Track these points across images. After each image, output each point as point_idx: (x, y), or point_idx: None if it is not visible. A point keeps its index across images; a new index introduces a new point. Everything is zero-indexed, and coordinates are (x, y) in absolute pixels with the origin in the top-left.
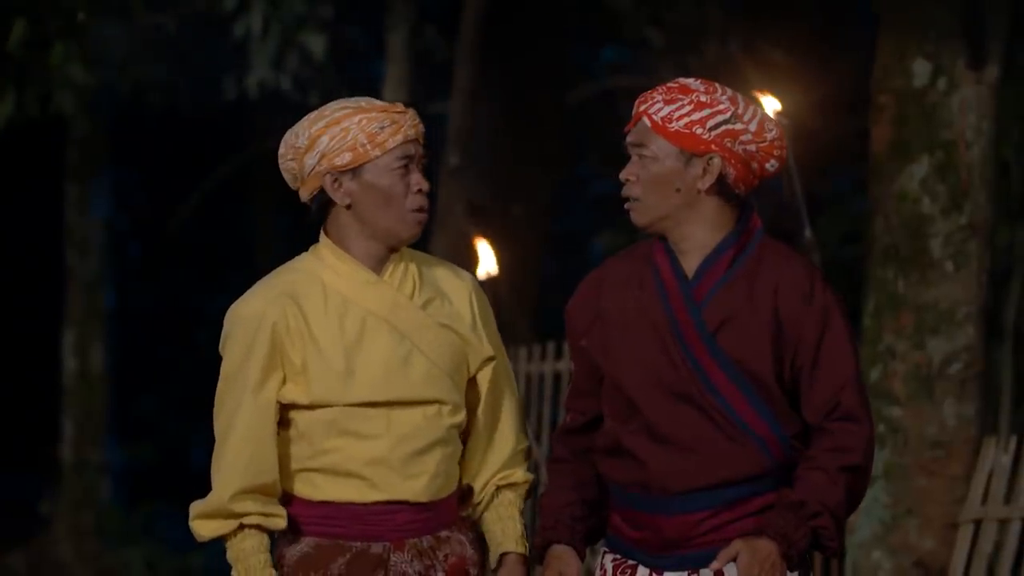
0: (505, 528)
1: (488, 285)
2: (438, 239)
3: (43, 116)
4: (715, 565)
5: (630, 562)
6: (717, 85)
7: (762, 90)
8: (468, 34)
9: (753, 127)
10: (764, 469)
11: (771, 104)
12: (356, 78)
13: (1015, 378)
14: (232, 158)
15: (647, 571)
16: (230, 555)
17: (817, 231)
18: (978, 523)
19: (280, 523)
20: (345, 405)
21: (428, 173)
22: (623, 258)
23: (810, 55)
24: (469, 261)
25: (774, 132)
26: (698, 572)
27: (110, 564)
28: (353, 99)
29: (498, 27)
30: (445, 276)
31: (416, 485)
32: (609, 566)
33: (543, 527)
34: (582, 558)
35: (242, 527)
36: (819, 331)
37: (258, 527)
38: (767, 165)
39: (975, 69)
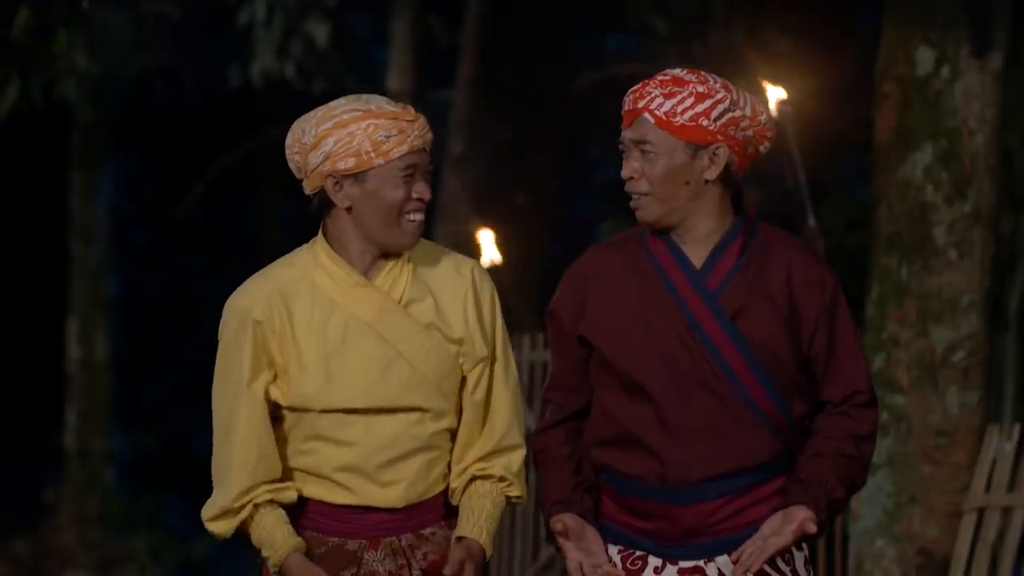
0: (468, 515)
1: (492, 273)
2: (441, 227)
3: (47, 104)
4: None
5: (638, 553)
6: (704, 73)
7: (766, 78)
8: (472, 22)
9: (748, 111)
10: (775, 454)
11: (775, 92)
12: (360, 66)
13: (1019, 366)
14: (237, 146)
15: (659, 561)
16: (255, 539)
17: (821, 219)
18: (981, 511)
19: (292, 495)
20: (322, 411)
21: (433, 178)
22: (608, 248)
23: (814, 43)
24: (472, 249)
25: (765, 114)
26: (714, 560)
27: (114, 552)
28: (364, 99)
29: (502, 15)
30: (444, 273)
31: (391, 493)
32: (616, 557)
33: (551, 504)
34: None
35: (256, 508)
36: (832, 318)
37: (271, 502)
38: (761, 148)
39: (979, 57)
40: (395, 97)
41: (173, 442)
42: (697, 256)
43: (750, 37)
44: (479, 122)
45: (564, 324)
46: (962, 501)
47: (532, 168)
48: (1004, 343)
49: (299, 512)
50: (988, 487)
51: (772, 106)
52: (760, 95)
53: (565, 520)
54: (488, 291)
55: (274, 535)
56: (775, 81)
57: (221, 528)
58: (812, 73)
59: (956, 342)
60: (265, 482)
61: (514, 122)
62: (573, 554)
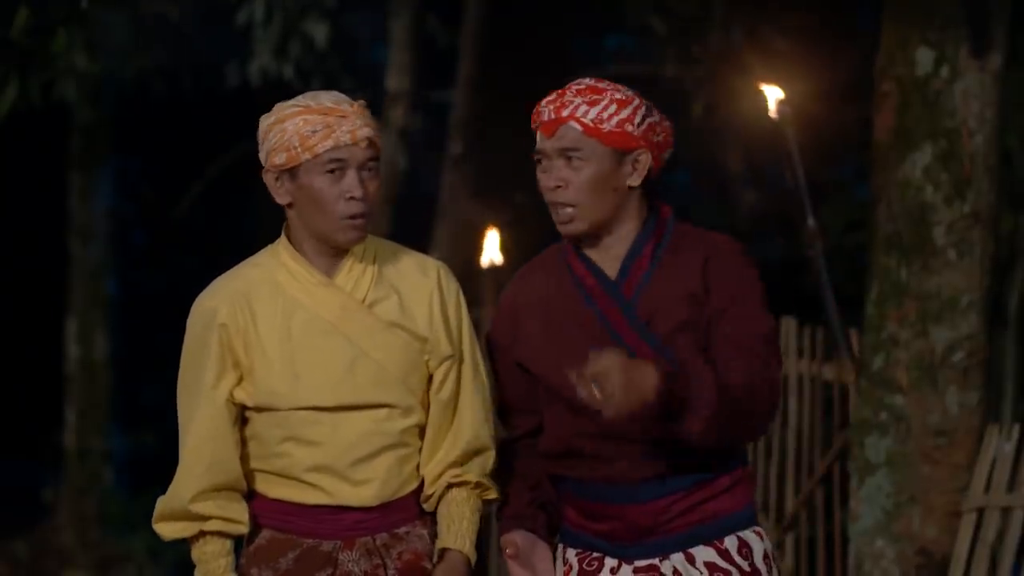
0: (450, 525)
1: (492, 273)
2: (441, 227)
3: (46, 104)
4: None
5: (595, 554)
6: (613, 83)
7: (765, 78)
8: (471, 22)
9: (658, 117)
10: (719, 449)
11: (774, 92)
12: (359, 66)
13: (1018, 366)
14: (236, 145)
15: (615, 562)
16: (193, 555)
17: (820, 219)
18: (981, 511)
19: (242, 528)
20: (289, 410)
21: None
22: (533, 271)
23: (813, 43)
24: (472, 249)
25: (667, 120)
26: (668, 557)
27: (113, 552)
28: (312, 96)
29: (501, 15)
30: (408, 272)
31: (364, 491)
32: (574, 560)
33: (505, 518)
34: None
35: (204, 533)
36: (735, 285)
37: (219, 533)
38: (665, 154)
39: (978, 57)
40: (394, 97)
41: (172, 442)
42: (613, 266)
43: (749, 37)
44: (478, 122)
45: (503, 352)
46: (961, 501)
47: (531, 168)
48: (1004, 343)
49: (276, 512)
50: (988, 487)
51: (771, 106)
52: (759, 95)
53: (515, 539)
54: (454, 292)
55: (210, 564)
56: (774, 81)
57: (165, 530)
58: (811, 73)
59: (955, 342)
60: (213, 490)
61: (514, 122)
62: (517, 572)
